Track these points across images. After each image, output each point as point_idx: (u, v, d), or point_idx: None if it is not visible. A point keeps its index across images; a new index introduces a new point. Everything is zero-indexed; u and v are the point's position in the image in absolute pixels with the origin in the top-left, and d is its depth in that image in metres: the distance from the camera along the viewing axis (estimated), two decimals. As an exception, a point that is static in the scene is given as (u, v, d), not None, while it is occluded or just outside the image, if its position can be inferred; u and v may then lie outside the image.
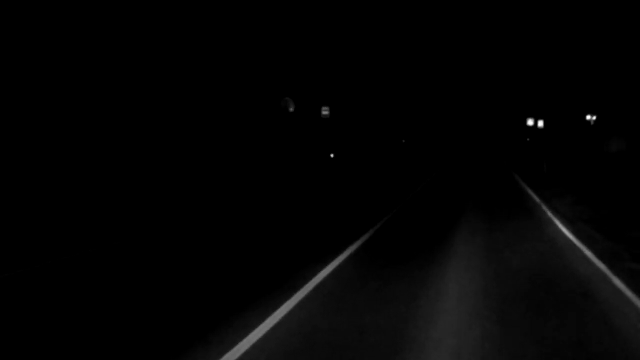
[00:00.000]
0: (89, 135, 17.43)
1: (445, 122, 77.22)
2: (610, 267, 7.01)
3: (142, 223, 11.39)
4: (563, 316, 5.12)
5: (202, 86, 22.21)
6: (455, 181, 24.01)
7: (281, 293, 5.82)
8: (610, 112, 38.38)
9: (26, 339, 4.69)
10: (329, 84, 37.42)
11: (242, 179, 20.67)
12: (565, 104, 47.90)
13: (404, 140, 61.47)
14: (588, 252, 8.03)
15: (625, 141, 33.85)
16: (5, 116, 14.85)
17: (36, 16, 15.98)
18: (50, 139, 16.08)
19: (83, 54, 17.60)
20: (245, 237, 9.88)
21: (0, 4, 14.79)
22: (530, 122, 57.92)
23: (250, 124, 22.59)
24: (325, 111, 34.84)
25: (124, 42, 19.21)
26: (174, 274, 7.03)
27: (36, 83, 15.98)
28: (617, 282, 6.32)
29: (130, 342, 4.55)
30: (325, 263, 7.35)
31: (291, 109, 22.88)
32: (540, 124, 55.09)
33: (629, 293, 5.85)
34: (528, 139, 62.12)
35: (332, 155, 29.78)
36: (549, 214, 12.60)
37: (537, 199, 15.90)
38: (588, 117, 42.37)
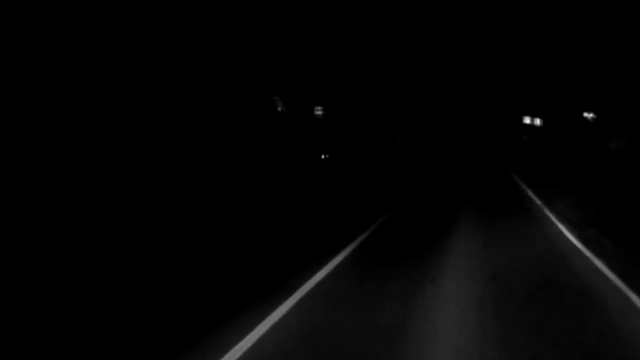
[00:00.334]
0: (72, 135, 16.84)
1: (441, 121, 76.55)
2: (627, 282, 6.24)
3: (131, 224, 11.30)
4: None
5: (187, 84, 21.39)
6: (452, 182, 23.23)
7: (272, 300, 5.55)
8: (609, 108, 37.75)
9: (22, 344, 4.60)
10: (322, 83, 36.66)
11: (229, 182, 19.87)
12: (562, 101, 47.28)
13: (399, 140, 60.72)
14: (599, 263, 7.28)
15: (626, 138, 33.17)
16: (4, 116, 14.81)
17: (32, 16, 15.95)
18: (39, 140, 15.76)
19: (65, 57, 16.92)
20: (237, 241, 9.35)
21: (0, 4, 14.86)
22: (527, 120, 57.38)
23: (236, 124, 21.72)
24: (318, 111, 34.08)
25: (99, 40, 18.43)
26: (168, 277, 6.92)
27: (25, 84, 15.54)
28: (636, 299, 5.57)
29: (128, 345, 4.51)
30: (312, 272, 6.74)
31: (280, 109, 22.11)
32: (538, 122, 54.49)
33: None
34: (525, 138, 61.51)
35: (323, 157, 28.91)
36: (552, 217, 11.85)
37: (538, 201, 15.16)
38: (585, 114, 41.77)
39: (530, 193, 17.69)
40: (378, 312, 5.16)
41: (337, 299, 5.66)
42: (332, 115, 36.74)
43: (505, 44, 63.80)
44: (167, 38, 21.03)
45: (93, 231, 10.30)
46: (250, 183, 19.99)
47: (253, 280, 6.55)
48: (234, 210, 13.54)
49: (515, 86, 65.43)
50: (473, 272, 6.85)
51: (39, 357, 4.31)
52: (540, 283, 6.30)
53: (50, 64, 16.54)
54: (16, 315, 5.37)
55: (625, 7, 34.50)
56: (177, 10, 21.79)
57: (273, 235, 10.08)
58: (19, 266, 7.28)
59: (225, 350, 4.22)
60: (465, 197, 16.86)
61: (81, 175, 16.38)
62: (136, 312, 5.37)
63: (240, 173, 21.22)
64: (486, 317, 5.02)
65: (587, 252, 8.00)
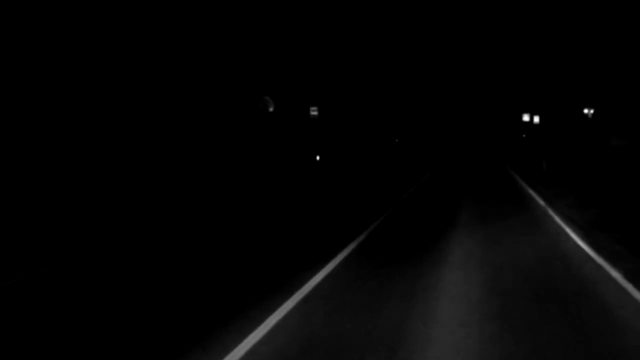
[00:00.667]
0: (61, 135, 16.41)
1: (439, 120, 75.78)
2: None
3: (128, 226, 11.16)
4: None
5: (176, 84, 20.54)
6: (450, 182, 22.38)
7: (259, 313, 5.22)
8: (609, 104, 37.03)
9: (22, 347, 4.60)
10: (317, 82, 35.82)
11: (218, 183, 19.02)
12: (562, 97, 46.57)
13: (397, 140, 59.88)
14: (615, 273, 6.45)
15: (626, 135, 32.42)
16: (4, 117, 14.91)
17: (30, 16, 15.96)
18: (34, 141, 15.70)
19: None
20: (228, 246, 8.81)
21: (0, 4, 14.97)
22: (526, 117, 56.61)
23: (225, 125, 20.83)
24: (313, 111, 33.25)
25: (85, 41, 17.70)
26: (164, 280, 6.80)
27: (20, 84, 15.17)
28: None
29: (126, 348, 4.46)
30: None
31: (271, 109, 21.24)
32: (537, 119, 53.75)
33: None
34: (524, 135, 60.76)
35: (318, 158, 28.02)
36: (557, 219, 11.00)
37: (540, 202, 14.32)
38: (585, 110, 41.10)
39: (531, 192, 16.86)
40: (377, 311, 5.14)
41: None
42: (328, 115, 35.89)
43: (504, 42, 63.10)
44: (156, 35, 20.23)
45: (88, 233, 10.20)
46: (240, 186, 19.12)
47: (247, 285, 6.37)
48: (223, 214, 12.65)
49: (514, 84, 64.79)
50: (475, 292, 6.01)
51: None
52: (555, 300, 5.46)
53: (37, 66, 16.12)
54: (20, 320, 5.33)
55: (623, 5, 33.88)
56: (168, 8, 21.01)
57: (262, 240, 9.46)
58: (20, 271, 7.18)
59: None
60: (464, 198, 16.01)
61: (69, 174, 16.14)
62: (133, 315, 5.32)
63: (229, 176, 20.36)
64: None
65: (600, 260, 7.16)
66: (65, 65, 17.12)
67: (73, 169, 16.51)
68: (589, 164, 27.73)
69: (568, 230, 9.64)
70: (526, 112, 57.39)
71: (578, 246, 8.22)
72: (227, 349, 4.24)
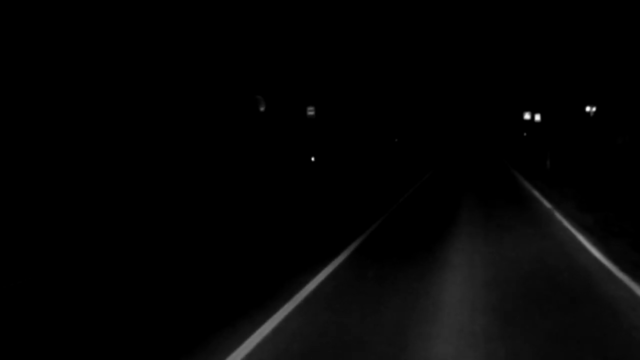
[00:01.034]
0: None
1: (440, 119, 74.93)
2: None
3: (117, 226, 10.93)
4: None
5: (167, 81, 19.71)
6: (451, 182, 21.54)
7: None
8: (611, 102, 36.22)
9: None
10: (314, 81, 34.99)
11: (203, 185, 18.19)
12: (563, 95, 45.77)
13: (396, 140, 59.02)
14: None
15: (630, 133, 31.57)
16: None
17: (28, 15, 15.85)
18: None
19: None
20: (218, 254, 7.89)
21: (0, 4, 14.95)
22: (527, 116, 55.80)
23: (215, 125, 19.97)
24: (311, 111, 32.44)
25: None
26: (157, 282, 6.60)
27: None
28: None
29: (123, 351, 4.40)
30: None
31: (262, 109, 20.40)
32: (538, 117, 52.92)
33: None
34: (525, 134, 59.95)
35: (313, 159, 27.15)
36: (566, 224, 10.18)
37: (546, 203, 13.49)
38: (588, 108, 40.33)
39: (536, 193, 16.04)
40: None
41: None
42: (326, 114, 35.05)
43: (504, 40, 62.27)
44: (145, 30, 19.46)
45: (83, 234, 9.99)
46: (227, 189, 18.28)
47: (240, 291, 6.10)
48: (206, 216, 11.83)
49: (514, 82, 63.96)
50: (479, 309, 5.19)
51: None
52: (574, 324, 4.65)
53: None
54: (20, 322, 5.27)
55: (625, 1, 33.09)
56: (161, 4, 20.26)
57: (253, 244, 8.83)
58: (16, 275, 6.98)
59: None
60: (465, 200, 15.18)
61: (52, 172, 15.73)
62: (130, 318, 5.22)
63: (216, 177, 19.52)
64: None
65: (620, 275, 6.35)
66: (50, 66, 16.52)
67: (56, 168, 16.04)
68: (594, 163, 26.91)
69: (580, 237, 8.80)
70: (527, 110, 56.64)
71: (595, 259, 7.36)
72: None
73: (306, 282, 6.21)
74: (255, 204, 14.82)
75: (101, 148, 17.73)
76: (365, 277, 6.59)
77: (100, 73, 18.13)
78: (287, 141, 25.45)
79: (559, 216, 11.20)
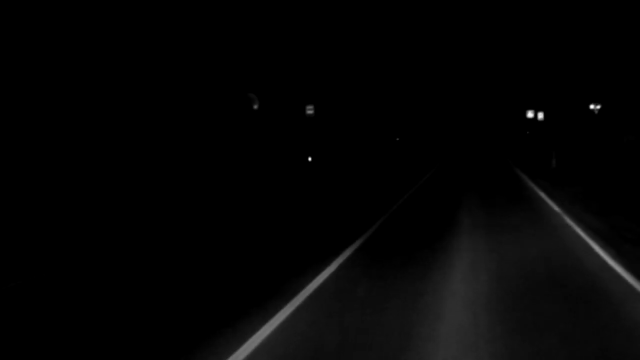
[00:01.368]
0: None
1: (442, 118, 74.03)
2: None
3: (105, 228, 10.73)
4: None
5: (160, 79, 18.90)
6: (453, 183, 20.65)
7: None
8: (618, 99, 35.36)
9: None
10: (313, 79, 34.15)
11: (193, 186, 17.37)
12: (567, 93, 44.90)
13: (398, 139, 58.13)
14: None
15: (638, 130, 30.66)
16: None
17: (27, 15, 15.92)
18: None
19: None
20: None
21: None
22: (530, 114, 54.90)
23: (206, 124, 19.10)
24: (310, 110, 31.60)
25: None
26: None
27: None
28: None
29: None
30: None
31: (255, 107, 19.57)
32: (541, 116, 52.01)
33: None
34: (528, 132, 59.03)
35: (310, 159, 26.25)
36: (579, 231, 9.30)
37: (554, 207, 12.62)
38: (592, 106, 39.48)
39: (543, 195, 15.15)
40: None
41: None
42: (325, 113, 34.17)
43: (506, 38, 61.39)
44: (136, 25, 18.73)
45: (78, 234, 9.89)
46: (218, 190, 17.44)
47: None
48: (193, 219, 11.01)
49: (517, 80, 63.03)
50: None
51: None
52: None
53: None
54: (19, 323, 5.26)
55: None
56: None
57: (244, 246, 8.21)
58: (15, 275, 6.94)
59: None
60: (468, 202, 14.32)
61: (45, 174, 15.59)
62: (130, 318, 5.22)
63: (209, 178, 18.68)
64: None
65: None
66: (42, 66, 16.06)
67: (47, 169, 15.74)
68: (601, 162, 26.03)
69: (600, 250, 7.87)
70: (530, 108, 55.72)
71: (618, 276, 6.49)
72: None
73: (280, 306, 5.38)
74: (243, 207, 13.96)
75: (86, 146, 17.04)
76: (355, 297, 5.75)
77: (87, 70, 17.49)
78: (283, 141, 24.57)
79: (569, 221, 10.33)
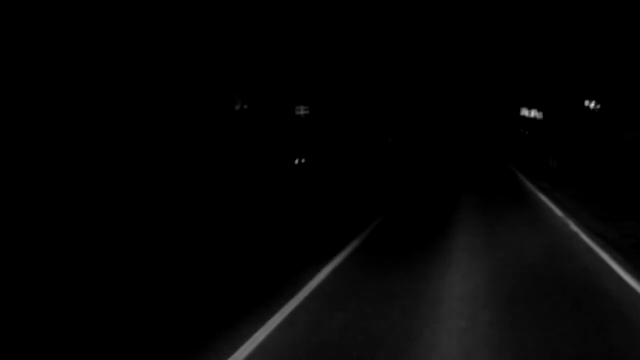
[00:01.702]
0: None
1: (434, 117, 73.15)
2: None
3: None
4: None
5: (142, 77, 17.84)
6: (448, 185, 19.66)
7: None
8: (618, 96, 34.62)
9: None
10: (304, 78, 33.16)
11: (168, 189, 16.32)
12: (563, 90, 44.17)
13: (390, 139, 57.17)
14: None
15: (639, 128, 29.88)
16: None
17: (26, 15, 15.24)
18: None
19: None
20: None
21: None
22: (524, 112, 54.18)
23: (187, 124, 18.02)
24: (300, 111, 30.63)
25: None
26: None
27: None
28: None
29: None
30: None
31: (238, 107, 18.59)
32: (535, 114, 51.27)
33: None
34: (522, 131, 58.30)
35: (297, 162, 25.20)
36: (587, 240, 8.35)
37: (558, 211, 11.67)
38: (591, 105, 38.76)
39: (544, 198, 14.21)
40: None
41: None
42: (316, 114, 33.15)
43: (501, 35, 60.61)
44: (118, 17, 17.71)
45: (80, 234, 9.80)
46: (194, 195, 16.37)
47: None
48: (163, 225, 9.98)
49: (512, 78, 62.21)
50: None
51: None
52: None
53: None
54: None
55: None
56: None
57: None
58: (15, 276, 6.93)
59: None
60: (465, 207, 13.35)
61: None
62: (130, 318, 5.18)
63: (187, 180, 17.62)
64: None
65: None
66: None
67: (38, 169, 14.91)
68: (603, 161, 25.19)
69: (616, 266, 6.89)
70: (524, 106, 54.92)
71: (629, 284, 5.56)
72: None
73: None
74: (224, 210, 12.91)
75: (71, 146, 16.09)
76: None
77: (70, 68, 16.56)
78: (270, 142, 23.50)
79: (575, 228, 9.37)
